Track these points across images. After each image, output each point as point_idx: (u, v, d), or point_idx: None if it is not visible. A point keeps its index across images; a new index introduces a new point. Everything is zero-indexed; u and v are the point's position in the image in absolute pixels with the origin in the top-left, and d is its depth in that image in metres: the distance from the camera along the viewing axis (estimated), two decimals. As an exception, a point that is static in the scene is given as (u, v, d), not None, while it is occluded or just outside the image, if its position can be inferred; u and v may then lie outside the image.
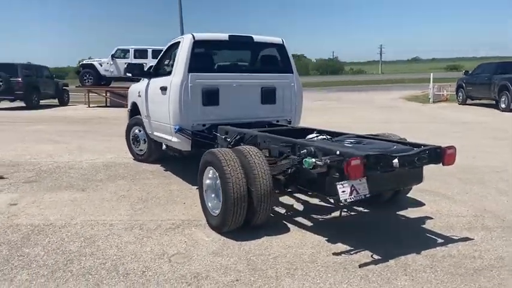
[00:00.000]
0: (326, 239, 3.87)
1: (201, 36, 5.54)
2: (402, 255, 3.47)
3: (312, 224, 4.30)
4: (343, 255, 3.53)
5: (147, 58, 18.21)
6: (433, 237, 3.92)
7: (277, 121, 5.97)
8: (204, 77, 5.45)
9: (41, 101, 19.51)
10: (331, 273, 3.21)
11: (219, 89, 5.51)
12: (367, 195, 3.37)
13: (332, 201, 4.76)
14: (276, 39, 6.03)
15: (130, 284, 3.07)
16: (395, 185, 3.96)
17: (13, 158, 7.54)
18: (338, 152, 3.46)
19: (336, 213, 4.54)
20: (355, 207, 4.77)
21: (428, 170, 3.86)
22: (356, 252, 3.56)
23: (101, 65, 19.60)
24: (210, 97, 5.46)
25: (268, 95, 5.84)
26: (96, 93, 19.77)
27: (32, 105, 18.37)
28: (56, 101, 21.29)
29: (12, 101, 18.47)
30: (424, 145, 3.78)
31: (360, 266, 3.32)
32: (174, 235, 3.99)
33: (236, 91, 5.63)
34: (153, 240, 3.86)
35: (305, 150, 3.74)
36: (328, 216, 4.51)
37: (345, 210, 4.66)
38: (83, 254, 3.57)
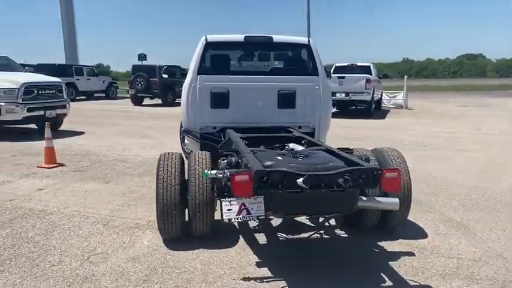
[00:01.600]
0: (257, 261, 3.48)
1: (214, 37, 5.47)
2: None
3: (265, 242, 3.92)
4: (249, 281, 3.13)
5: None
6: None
7: (300, 127, 5.54)
8: (213, 79, 5.37)
9: (177, 99, 21.47)
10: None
11: (229, 92, 5.36)
12: (262, 217, 2.92)
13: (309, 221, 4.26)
14: (301, 39, 5.62)
15: (24, 273, 3.22)
16: (308, 210, 3.25)
17: (94, 148, 8.50)
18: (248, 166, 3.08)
19: (306, 234, 4.04)
20: (337, 230, 4.18)
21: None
22: (266, 282, 3.12)
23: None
24: (219, 100, 5.35)
25: (286, 99, 5.46)
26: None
27: (167, 103, 20.39)
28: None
29: (151, 98, 20.80)
30: (361, 165, 3.11)
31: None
32: (123, 235, 4.04)
33: (248, 94, 5.42)
34: (97, 237, 3.98)
35: (228, 160, 3.41)
36: (294, 236, 4.03)
37: (320, 232, 4.12)
38: (29, 241, 3.86)
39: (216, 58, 5.59)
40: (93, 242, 3.86)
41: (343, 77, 15.09)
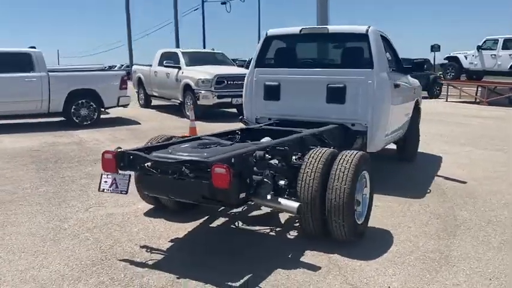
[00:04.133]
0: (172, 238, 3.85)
1: (274, 31, 5.68)
2: None
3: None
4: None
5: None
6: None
7: (353, 124, 5.21)
8: (267, 72, 5.61)
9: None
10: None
11: (280, 85, 5.51)
12: (124, 193, 3.32)
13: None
14: (358, 28, 5.18)
15: None
16: (167, 194, 3.37)
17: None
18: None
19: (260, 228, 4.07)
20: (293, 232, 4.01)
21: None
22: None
23: (466, 58, 18.49)
24: (271, 92, 5.58)
25: (334, 94, 5.21)
26: (454, 86, 18.89)
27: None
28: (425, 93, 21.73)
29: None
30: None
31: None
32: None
33: (298, 87, 5.43)
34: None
35: None
36: (249, 227, 4.10)
37: (243, 223, 4.08)
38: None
39: (273, 51, 5.74)
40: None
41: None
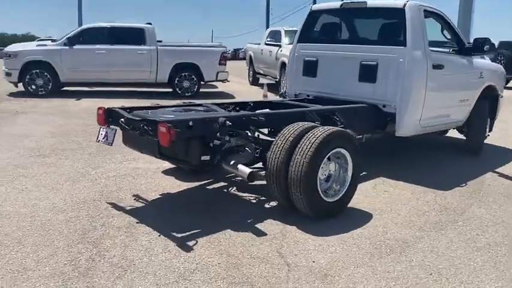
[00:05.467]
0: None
1: (317, 6, 5.66)
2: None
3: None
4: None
5: None
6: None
7: (384, 106, 5.00)
8: (307, 47, 5.63)
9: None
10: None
11: (318, 61, 5.50)
12: (109, 144, 3.81)
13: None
14: (396, 3, 4.86)
15: None
16: (139, 148, 3.66)
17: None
18: None
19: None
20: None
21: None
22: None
23: None
24: (309, 68, 5.60)
25: (366, 72, 5.03)
26: None
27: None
28: None
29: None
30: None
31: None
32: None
33: (333, 64, 5.36)
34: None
35: None
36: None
37: (236, 189, 4.25)
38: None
39: (316, 27, 5.67)
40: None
41: None
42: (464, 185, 4.71)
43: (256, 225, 3.51)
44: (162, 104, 4.47)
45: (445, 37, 5.48)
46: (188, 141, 3.45)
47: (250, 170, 3.42)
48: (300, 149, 3.44)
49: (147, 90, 11.82)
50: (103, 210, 3.70)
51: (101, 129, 3.92)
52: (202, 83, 11.75)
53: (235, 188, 4.40)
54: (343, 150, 3.66)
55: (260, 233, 3.37)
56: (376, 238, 3.34)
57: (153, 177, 4.65)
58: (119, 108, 3.85)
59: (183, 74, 11.43)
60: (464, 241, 3.35)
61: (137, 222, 3.48)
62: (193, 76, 11.50)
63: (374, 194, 4.37)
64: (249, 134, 3.80)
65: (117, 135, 3.82)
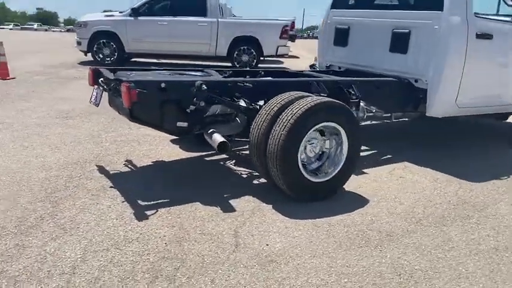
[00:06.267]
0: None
1: (352, -31, 5.07)
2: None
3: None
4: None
5: None
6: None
7: (416, 81, 4.40)
8: (339, 13, 5.11)
9: None
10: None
11: (349, 28, 4.99)
12: (96, 105, 3.71)
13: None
14: (436, -41, 4.17)
15: None
16: (117, 109, 3.45)
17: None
18: None
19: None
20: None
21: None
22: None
23: None
24: (340, 36, 5.09)
25: (398, 41, 4.44)
26: None
27: None
28: None
29: None
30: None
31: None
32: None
33: (365, 32, 4.81)
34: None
35: None
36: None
37: (233, 163, 3.97)
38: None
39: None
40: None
41: None
42: (504, 178, 3.97)
43: (230, 201, 3.23)
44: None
45: (506, 3, 4.62)
46: (162, 105, 3.22)
47: (222, 139, 3.12)
48: (281, 119, 3.07)
49: (208, 64, 11.83)
50: (86, 172, 3.64)
51: (94, 89, 3.83)
52: (261, 58, 11.46)
53: (234, 161, 4.13)
54: (335, 125, 3.21)
55: (229, 209, 3.08)
56: (356, 227, 2.89)
57: (158, 144, 4.53)
58: (104, 68, 3.72)
59: (242, 48, 11.22)
60: (465, 241, 2.78)
61: (111, 187, 3.37)
62: (252, 50, 11.24)
63: (386, 179, 3.84)
64: (243, 103, 3.46)
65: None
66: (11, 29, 54.27)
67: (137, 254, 2.45)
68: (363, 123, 4.36)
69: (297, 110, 3.04)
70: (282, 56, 11.59)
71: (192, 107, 3.22)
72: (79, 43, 11.29)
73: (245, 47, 11.21)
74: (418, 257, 2.56)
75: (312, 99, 3.11)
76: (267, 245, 2.62)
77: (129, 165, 3.88)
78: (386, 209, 3.20)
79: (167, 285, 2.19)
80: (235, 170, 3.91)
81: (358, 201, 3.31)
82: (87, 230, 2.69)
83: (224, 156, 4.23)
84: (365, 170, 4.01)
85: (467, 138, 5.53)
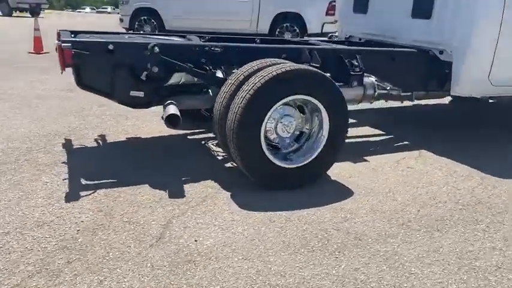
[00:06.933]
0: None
1: None
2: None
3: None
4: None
5: None
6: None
7: (441, 52, 3.66)
8: (359, -25, 4.43)
9: None
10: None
11: (370, -9, 4.30)
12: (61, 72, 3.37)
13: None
14: None
15: None
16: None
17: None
18: None
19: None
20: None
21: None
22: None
23: None
24: (360, 2, 4.42)
25: (421, 4, 3.72)
26: None
27: None
28: None
29: None
30: None
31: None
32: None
33: (386, -4, 4.12)
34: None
35: None
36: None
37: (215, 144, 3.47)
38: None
39: None
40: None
41: None
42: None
43: (185, 185, 2.77)
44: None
45: None
46: (113, 71, 2.80)
47: (173, 112, 2.64)
48: (242, 90, 2.54)
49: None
50: (48, 146, 3.34)
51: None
52: (305, 36, 10.73)
53: (217, 141, 3.64)
54: (311, 99, 2.62)
55: (177, 195, 2.62)
56: (320, 225, 2.32)
57: (145, 120, 4.15)
58: (65, 30, 3.35)
59: (284, 25, 10.57)
60: (458, 254, 2.12)
61: (62, 162, 3.03)
62: (295, 27, 10.56)
63: (389, 168, 3.19)
64: (220, 74, 2.96)
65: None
66: (86, 13, 56.65)
67: (36, 241, 2.07)
68: (374, 102, 3.70)
69: (259, 79, 2.49)
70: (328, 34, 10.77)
71: (145, 73, 2.77)
72: (121, 20, 11.22)
73: (288, 24, 10.55)
74: (383, 270, 1.95)
75: (280, 67, 2.53)
76: (196, 240, 2.13)
77: (99, 141, 3.53)
78: (371, 205, 2.58)
79: (44, 283, 1.78)
80: (214, 151, 3.43)
81: (339, 194, 2.72)
82: (2, 209, 2.35)
83: (211, 135, 3.77)
84: (367, 158, 3.37)
85: (506, 126, 4.63)
